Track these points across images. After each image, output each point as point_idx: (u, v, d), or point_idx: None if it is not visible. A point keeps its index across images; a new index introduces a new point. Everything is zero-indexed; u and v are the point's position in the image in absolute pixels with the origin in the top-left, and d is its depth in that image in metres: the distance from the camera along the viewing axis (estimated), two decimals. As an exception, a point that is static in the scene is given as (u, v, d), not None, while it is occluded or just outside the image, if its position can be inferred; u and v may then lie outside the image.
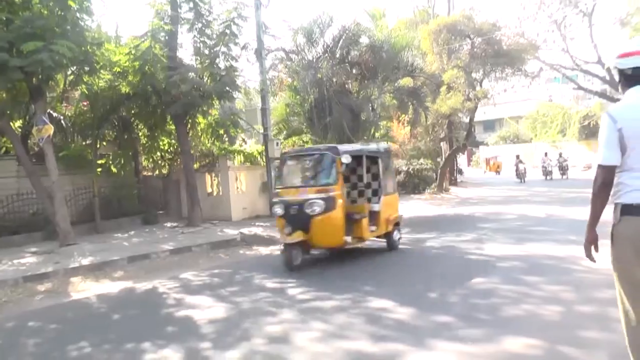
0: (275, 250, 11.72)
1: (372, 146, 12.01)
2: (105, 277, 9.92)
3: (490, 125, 59.36)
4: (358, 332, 5.59)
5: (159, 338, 5.82)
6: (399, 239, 11.13)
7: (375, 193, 11.07)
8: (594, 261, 3.61)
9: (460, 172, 40.90)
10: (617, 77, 3.57)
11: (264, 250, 11.97)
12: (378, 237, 10.71)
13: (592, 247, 3.59)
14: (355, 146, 11.80)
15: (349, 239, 9.64)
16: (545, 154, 34.93)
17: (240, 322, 6.22)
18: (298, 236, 9.07)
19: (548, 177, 32.28)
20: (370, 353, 4.99)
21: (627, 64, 3.41)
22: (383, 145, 13.07)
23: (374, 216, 10.36)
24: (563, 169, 32.81)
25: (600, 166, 3.40)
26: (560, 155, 34.08)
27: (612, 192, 3.45)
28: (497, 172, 44.19)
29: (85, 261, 10.96)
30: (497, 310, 6.14)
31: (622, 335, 4.74)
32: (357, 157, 10.53)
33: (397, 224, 11.07)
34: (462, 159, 48.59)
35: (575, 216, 14.24)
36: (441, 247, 10.98)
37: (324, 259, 10.41)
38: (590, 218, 3.53)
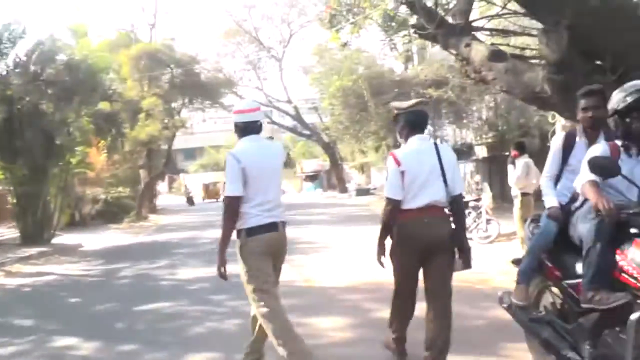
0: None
1: None
2: None
3: (191, 154, 60.57)
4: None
5: None
6: None
7: None
8: (225, 278, 4.44)
9: (191, 201, 40.22)
10: (234, 129, 4.47)
11: None
12: None
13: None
14: None
15: None
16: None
17: None
18: None
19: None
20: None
21: (241, 119, 4.40)
22: None
23: None
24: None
25: (228, 197, 4.27)
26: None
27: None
28: (217, 198, 43.75)
29: None
30: (182, 331, 6.40)
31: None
32: None
33: None
34: (162, 186, 48.63)
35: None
36: (134, 276, 10.89)
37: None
38: (222, 243, 4.35)
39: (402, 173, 4.16)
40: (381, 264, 4.42)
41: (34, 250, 15.17)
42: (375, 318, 6.21)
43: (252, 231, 4.23)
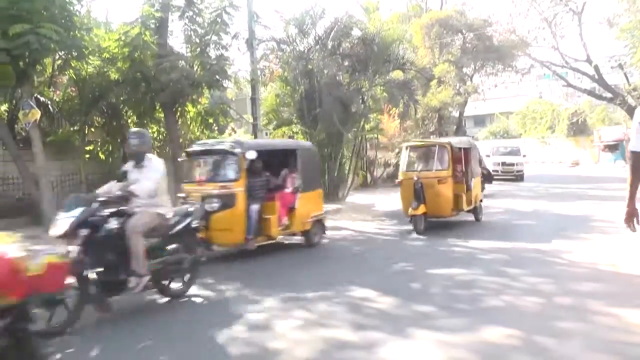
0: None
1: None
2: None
3: (480, 120, 59.52)
4: (339, 321, 5.61)
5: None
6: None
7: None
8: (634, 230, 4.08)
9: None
10: None
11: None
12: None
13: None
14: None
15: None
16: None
17: (223, 309, 6.26)
18: None
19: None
20: (349, 341, 5.02)
21: None
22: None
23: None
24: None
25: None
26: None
27: None
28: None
29: (71, 247, 10.91)
30: (477, 300, 6.21)
31: (596, 325, 4.87)
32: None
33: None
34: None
35: (560, 211, 14.42)
36: (425, 240, 10.95)
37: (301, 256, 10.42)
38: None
39: None
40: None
41: (330, 207, 16.47)
42: None
43: None
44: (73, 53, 13.76)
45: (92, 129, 17.22)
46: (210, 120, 17.27)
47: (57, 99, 16.54)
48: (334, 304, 6.27)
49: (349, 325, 5.45)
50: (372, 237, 11.69)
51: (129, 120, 17.75)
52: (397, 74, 20.19)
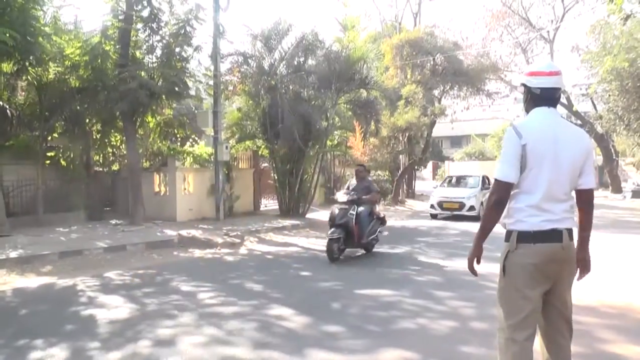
0: (209, 253, 11.76)
1: None
2: (32, 271, 9.78)
3: (457, 141, 60.00)
4: (243, 339, 5.64)
5: (54, 336, 5.77)
6: None
7: None
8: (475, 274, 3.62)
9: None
10: (524, 95, 3.55)
11: (198, 253, 11.92)
12: None
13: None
14: None
15: None
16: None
17: (137, 324, 6.22)
18: None
19: None
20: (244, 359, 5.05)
21: (536, 83, 3.43)
22: None
23: None
24: None
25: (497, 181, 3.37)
26: None
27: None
28: None
29: (14, 254, 10.82)
30: (390, 322, 6.25)
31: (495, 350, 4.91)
32: None
33: None
34: (427, 173, 49.07)
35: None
36: (368, 259, 11.01)
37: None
38: (479, 236, 3.55)
39: None
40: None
41: (288, 222, 16.66)
42: (607, 352, 5.27)
43: (522, 237, 3.34)
44: (30, 59, 13.70)
45: (55, 135, 17.15)
46: (170, 131, 17.27)
47: (17, 103, 16.44)
48: (246, 321, 6.28)
49: (251, 343, 5.48)
50: (316, 255, 11.56)
51: (93, 128, 17.71)
52: (363, 93, 20.30)
